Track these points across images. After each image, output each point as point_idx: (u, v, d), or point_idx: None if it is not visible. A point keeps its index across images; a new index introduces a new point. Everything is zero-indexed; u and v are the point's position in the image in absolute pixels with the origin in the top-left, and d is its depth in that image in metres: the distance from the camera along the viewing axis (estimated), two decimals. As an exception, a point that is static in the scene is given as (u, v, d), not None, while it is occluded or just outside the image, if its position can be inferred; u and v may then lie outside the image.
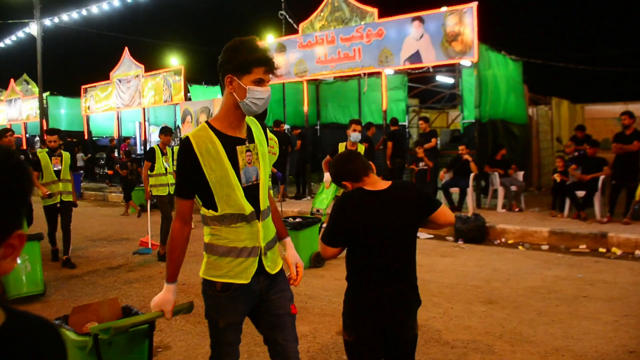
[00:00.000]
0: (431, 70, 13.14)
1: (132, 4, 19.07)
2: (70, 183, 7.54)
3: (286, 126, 14.62)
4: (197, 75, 21.51)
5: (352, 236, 2.65)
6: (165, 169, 8.10)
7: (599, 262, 7.09)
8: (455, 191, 10.40)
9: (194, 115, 16.51)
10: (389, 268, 2.65)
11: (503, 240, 8.59)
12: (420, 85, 17.35)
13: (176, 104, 17.09)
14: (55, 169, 7.37)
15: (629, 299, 5.43)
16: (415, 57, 11.27)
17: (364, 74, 12.97)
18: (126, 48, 18.94)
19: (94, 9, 19.82)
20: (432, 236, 9.13)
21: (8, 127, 26.64)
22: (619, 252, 7.59)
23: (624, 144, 8.73)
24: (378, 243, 2.63)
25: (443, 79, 16.48)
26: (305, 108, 13.82)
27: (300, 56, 13.32)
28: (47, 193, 7.24)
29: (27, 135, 25.05)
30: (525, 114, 12.98)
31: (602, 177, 9.17)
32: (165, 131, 8.29)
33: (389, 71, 14.08)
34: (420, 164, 10.38)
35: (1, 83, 27.26)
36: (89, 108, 21.17)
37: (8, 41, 24.18)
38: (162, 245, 7.87)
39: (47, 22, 21.25)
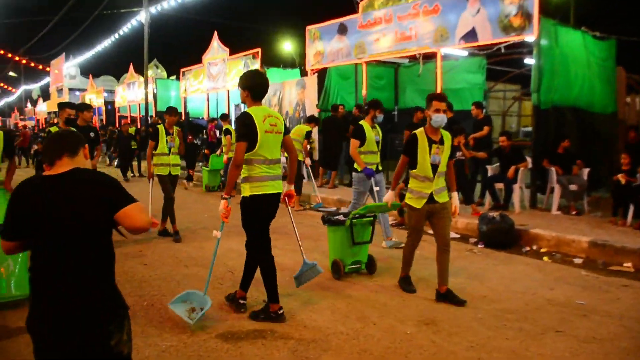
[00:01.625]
0: (503, 50, 11.66)
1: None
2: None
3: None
4: (272, 57, 21.37)
5: (23, 229, 2.25)
6: (169, 149, 7.98)
7: (629, 286, 5.66)
8: (501, 186, 9.11)
9: (267, 98, 16.37)
10: (61, 272, 2.22)
11: (535, 247, 7.30)
12: (511, 68, 15.69)
13: (253, 86, 17.05)
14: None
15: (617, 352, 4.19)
16: (471, 35, 10.04)
17: (419, 54, 11.84)
18: (215, 32, 19.32)
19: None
20: (458, 236, 8.06)
21: (127, 107, 28.90)
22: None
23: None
24: (47, 240, 2.21)
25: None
26: (364, 91, 13.07)
27: (359, 37, 12.55)
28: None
29: (141, 115, 26.74)
30: (613, 103, 11.04)
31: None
32: (170, 112, 8.20)
33: (462, 53, 12.87)
34: (457, 154, 9.18)
35: (125, 69, 29.23)
36: (185, 90, 22.01)
37: (125, 29, 25.86)
38: (162, 222, 7.95)
39: (153, 10, 22.35)
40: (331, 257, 5.91)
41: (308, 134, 10.83)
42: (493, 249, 7.21)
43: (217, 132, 18.04)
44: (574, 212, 8.69)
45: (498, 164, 9.48)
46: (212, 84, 19.68)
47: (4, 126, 37.54)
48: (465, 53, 12.97)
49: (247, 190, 4.37)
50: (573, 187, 8.83)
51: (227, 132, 11.51)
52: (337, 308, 4.84)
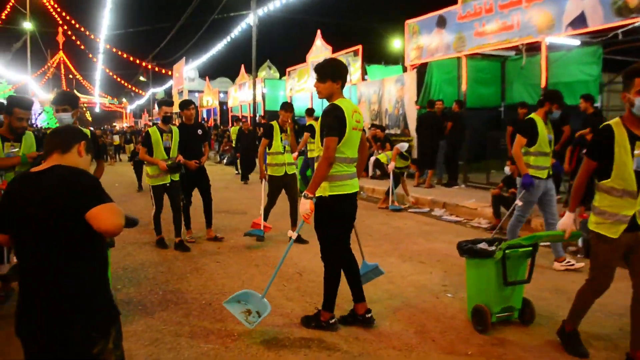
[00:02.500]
0: (620, 36, 10.46)
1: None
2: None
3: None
4: (376, 54, 20.96)
5: (5, 223, 2.27)
6: (284, 147, 7.34)
7: None
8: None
9: (367, 96, 16.10)
10: (35, 271, 2.18)
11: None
12: (634, 58, 14.09)
13: (354, 84, 16.90)
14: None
15: None
16: (579, 20, 9.12)
17: (522, 44, 10.95)
18: (319, 31, 19.38)
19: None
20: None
21: (239, 107, 29.95)
22: None
23: None
24: (24, 236, 2.20)
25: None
26: (464, 86, 12.42)
27: (459, 28, 11.90)
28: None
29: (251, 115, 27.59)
30: None
31: None
32: (286, 107, 7.55)
33: (574, 42, 11.77)
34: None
35: (238, 70, 30.27)
36: (291, 90, 22.33)
37: (236, 32, 26.75)
38: (292, 227, 7.38)
39: (260, 12, 22.90)
40: (472, 302, 4.41)
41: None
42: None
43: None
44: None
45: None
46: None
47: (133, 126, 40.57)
48: (577, 42, 11.80)
49: (326, 190, 4.06)
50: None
51: (310, 128, 11.05)
52: (398, 319, 4.48)
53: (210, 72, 37.21)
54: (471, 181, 12.11)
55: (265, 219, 7.49)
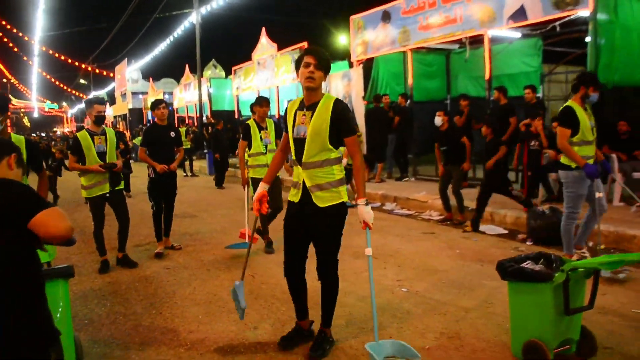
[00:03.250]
0: (558, 28, 10.73)
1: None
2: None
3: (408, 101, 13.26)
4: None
5: None
6: (266, 147, 6.76)
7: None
8: (555, 177, 8.35)
9: (314, 93, 16.01)
10: None
11: (590, 244, 6.57)
12: (572, 49, 14.56)
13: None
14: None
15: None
16: (520, 13, 9.29)
17: (465, 37, 11.11)
18: (264, 29, 19.16)
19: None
20: (506, 231, 7.44)
21: (185, 108, 29.35)
22: None
23: None
24: None
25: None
26: (410, 80, 12.48)
27: (404, 23, 11.97)
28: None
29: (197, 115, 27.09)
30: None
31: None
32: (261, 102, 6.87)
33: (515, 34, 12.02)
34: (533, 143, 8.42)
35: (182, 70, 29.67)
36: (237, 88, 22.04)
37: (179, 31, 26.21)
38: (265, 235, 6.84)
39: (203, 10, 22.48)
40: (521, 335, 3.52)
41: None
42: (542, 246, 6.55)
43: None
44: (638, 204, 7.83)
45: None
46: (262, 81, 19.55)
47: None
48: (518, 34, 12.07)
49: (343, 195, 3.71)
50: (637, 175, 7.96)
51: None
52: (354, 317, 4.41)
53: (154, 73, 36.38)
54: (421, 174, 12.23)
55: (265, 230, 6.82)
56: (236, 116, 22.68)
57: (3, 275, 2.00)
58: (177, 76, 33.46)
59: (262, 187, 3.77)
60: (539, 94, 11.62)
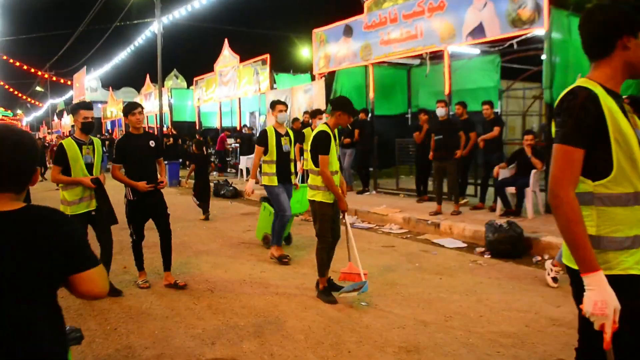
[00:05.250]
0: (515, 46, 11.03)
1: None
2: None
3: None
4: (285, 63, 21.05)
5: None
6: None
7: None
8: (512, 191, 8.52)
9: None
10: None
11: (546, 257, 6.69)
12: (529, 66, 14.99)
13: (263, 93, 16.78)
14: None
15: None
16: (478, 31, 9.49)
17: (426, 53, 11.31)
18: (226, 40, 19.10)
19: (203, 0, 20.11)
20: (464, 245, 7.52)
21: (145, 118, 28.87)
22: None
23: None
24: None
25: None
26: (371, 94, 12.58)
27: (365, 38, 12.09)
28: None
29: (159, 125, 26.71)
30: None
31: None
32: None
33: (474, 50, 12.30)
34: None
35: (144, 80, 29.27)
36: (199, 99, 21.84)
37: (140, 40, 25.83)
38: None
39: (165, 20, 22.20)
40: None
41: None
42: (500, 259, 6.66)
43: (234, 141, 17.79)
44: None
45: (512, 165, 8.89)
46: (224, 92, 19.43)
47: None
48: (477, 51, 12.37)
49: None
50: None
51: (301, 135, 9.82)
52: (313, 332, 4.37)
53: (113, 82, 35.76)
54: (381, 187, 12.31)
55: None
56: (197, 127, 22.45)
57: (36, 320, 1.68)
58: (138, 86, 32.98)
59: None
60: (497, 109, 11.88)
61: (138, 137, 5.69)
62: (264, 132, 6.93)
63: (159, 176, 5.76)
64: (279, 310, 4.88)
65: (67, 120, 42.69)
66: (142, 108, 5.80)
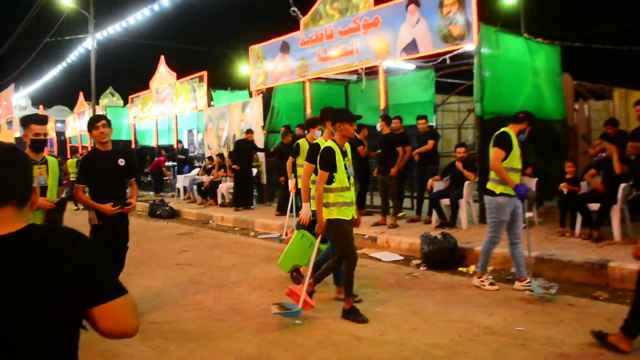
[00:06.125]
0: (448, 61, 11.31)
1: (167, 12, 18.76)
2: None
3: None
4: (223, 80, 20.91)
5: None
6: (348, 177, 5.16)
7: (573, 305, 5.20)
8: (447, 203, 8.67)
9: (215, 122, 15.80)
10: None
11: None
12: (463, 80, 15.43)
13: (200, 110, 16.53)
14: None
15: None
16: (412, 46, 9.68)
17: (362, 68, 11.46)
18: (162, 57, 18.74)
19: (138, 16, 19.66)
20: (401, 258, 7.55)
21: (78, 137, 27.89)
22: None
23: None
24: None
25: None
26: (308, 110, 12.57)
27: (302, 54, 12.13)
28: None
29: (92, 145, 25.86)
30: (562, 109, 10.79)
31: (622, 186, 7.11)
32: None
33: (409, 66, 12.51)
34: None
35: (77, 98, 28.34)
36: (135, 117, 21.30)
37: (73, 57, 25.04)
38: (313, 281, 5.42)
39: (99, 36, 21.62)
40: None
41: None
42: (435, 271, 6.72)
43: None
44: (523, 225, 8.26)
45: (446, 178, 9.05)
46: (160, 110, 19.02)
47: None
48: (412, 66, 12.60)
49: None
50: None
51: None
52: (246, 352, 4.23)
53: (45, 100, 34.37)
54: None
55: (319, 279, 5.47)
56: (132, 146, 21.84)
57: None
58: (71, 104, 31.87)
59: None
60: (432, 123, 12.12)
61: (105, 154, 5.01)
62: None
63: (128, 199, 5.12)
64: (211, 333, 4.72)
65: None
66: (108, 121, 5.02)
